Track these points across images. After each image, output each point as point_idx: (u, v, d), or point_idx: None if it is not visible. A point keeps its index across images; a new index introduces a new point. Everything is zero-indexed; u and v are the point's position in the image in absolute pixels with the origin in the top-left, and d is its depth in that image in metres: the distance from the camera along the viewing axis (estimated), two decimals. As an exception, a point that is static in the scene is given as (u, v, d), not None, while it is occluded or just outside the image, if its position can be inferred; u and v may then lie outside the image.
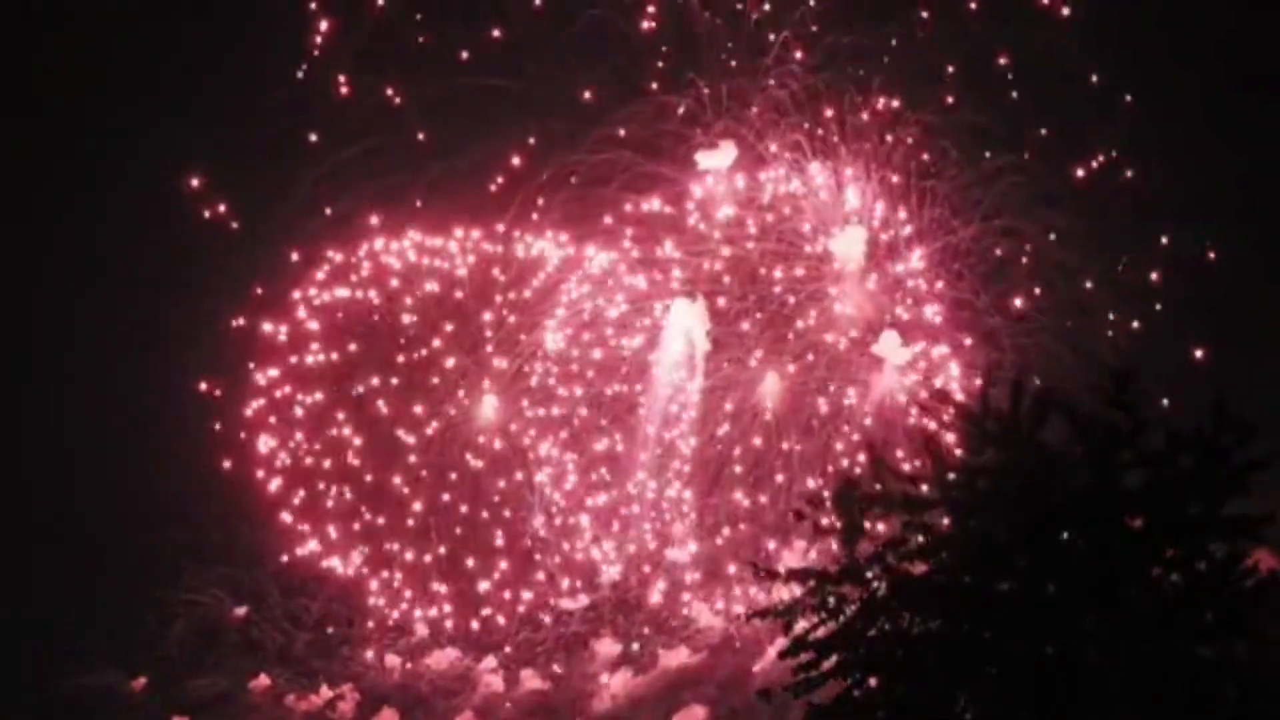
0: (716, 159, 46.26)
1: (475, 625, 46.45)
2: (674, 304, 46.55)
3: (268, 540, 46.78)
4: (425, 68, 46.75)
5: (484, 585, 46.76)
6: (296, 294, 47.37)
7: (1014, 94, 45.97)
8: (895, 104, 46.19)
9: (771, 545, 45.96)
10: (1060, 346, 44.94)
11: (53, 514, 45.32)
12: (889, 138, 46.31)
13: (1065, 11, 46.12)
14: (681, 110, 46.52)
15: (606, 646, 46.13)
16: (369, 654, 45.46)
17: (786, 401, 46.64)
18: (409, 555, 46.41)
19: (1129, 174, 45.87)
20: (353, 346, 47.54)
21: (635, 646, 45.71)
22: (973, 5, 46.29)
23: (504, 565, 47.03)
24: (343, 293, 47.41)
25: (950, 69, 46.35)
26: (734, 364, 46.79)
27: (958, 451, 16.11)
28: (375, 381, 47.00)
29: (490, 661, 45.83)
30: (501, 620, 46.63)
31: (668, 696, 42.47)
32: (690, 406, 46.73)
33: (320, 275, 47.56)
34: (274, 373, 47.21)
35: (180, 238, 46.70)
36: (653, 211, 46.47)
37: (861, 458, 42.70)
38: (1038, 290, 46.19)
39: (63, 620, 43.75)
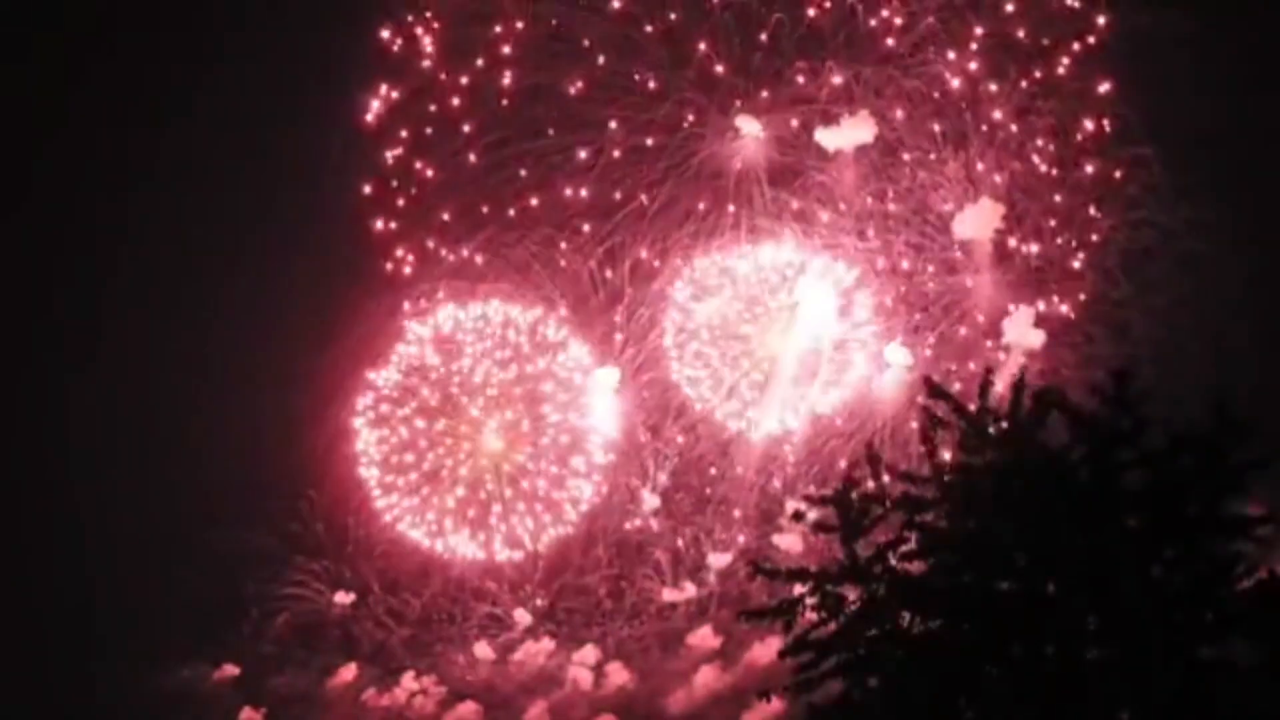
0: (845, 137, 45.86)
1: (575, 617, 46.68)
2: (800, 283, 45.87)
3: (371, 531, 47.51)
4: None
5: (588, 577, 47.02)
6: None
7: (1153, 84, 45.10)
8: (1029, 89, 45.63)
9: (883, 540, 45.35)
10: (1192, 340, 44.04)
11: (160, 511, 46.51)
12: (1023, 126, 45.86)
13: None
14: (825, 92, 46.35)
15: (703, 639, 46.01)
16: (460, 649, 45.81)
17: (909, 391, 46.30)
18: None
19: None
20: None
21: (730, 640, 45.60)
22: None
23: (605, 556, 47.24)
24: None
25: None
26: (857, 349, 46.37)
27: (958, 451, 16.09)
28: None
29: (586, 655, 45.93)
30: (603, 613, 46.83)
31: (748, 692, 42.36)
32: (811, 395, 46.44)
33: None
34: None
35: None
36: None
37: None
38: (1175, 283, 45.34)
39: (166, 615, 45.00)
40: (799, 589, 16.15)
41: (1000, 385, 16.55)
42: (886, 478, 16.23)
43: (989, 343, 46.00)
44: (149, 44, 49.62)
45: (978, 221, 45.64)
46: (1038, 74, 46.52)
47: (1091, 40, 45.98)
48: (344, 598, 47.84)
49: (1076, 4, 45.99)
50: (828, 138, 46.17)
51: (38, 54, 49.34)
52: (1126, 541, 15.35)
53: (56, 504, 46.78)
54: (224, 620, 46.61)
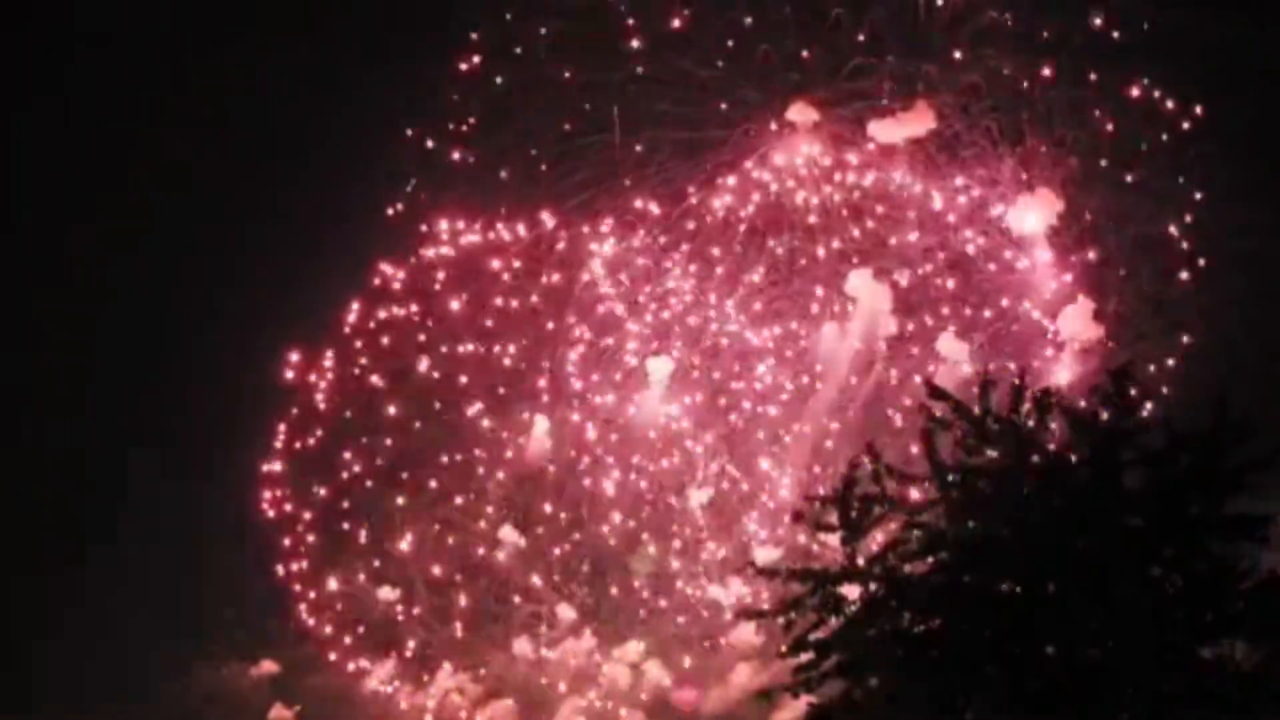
0: (901, 130, 45.38)
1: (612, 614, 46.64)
2: (850, 278, 45.29)
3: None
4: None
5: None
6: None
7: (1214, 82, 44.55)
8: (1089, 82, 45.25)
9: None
10: (1246, 342, 43.48)
11: (203, 508, 46.78)
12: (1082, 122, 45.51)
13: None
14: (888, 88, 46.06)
15: (744, 637, 45.88)
16: (501, 646, 45.83)
17: (963, 386, 45.63)
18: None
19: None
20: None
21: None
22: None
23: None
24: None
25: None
26: (914, 348, 45.99)
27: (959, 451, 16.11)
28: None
29: (626, 652, 45.80)
30: (643, 612, 46.80)
31: (781, 691, 42.06)
32: (863, 393, 46.21)
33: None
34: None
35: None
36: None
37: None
38: (1232, 282, 44.83)
39: (212, 612, 45.39)
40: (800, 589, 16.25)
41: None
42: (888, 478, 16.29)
43: (1048, 343, 45.59)
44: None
45: (1034, 215, 45.25)
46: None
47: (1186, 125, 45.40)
48: (389, 594, 47.93)
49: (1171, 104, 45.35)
50: (882, 131, 45.56)
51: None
52: (1126, 541, 15.33)
53: (98, 499, 47.20)
54: (269, 617, 46.87)
